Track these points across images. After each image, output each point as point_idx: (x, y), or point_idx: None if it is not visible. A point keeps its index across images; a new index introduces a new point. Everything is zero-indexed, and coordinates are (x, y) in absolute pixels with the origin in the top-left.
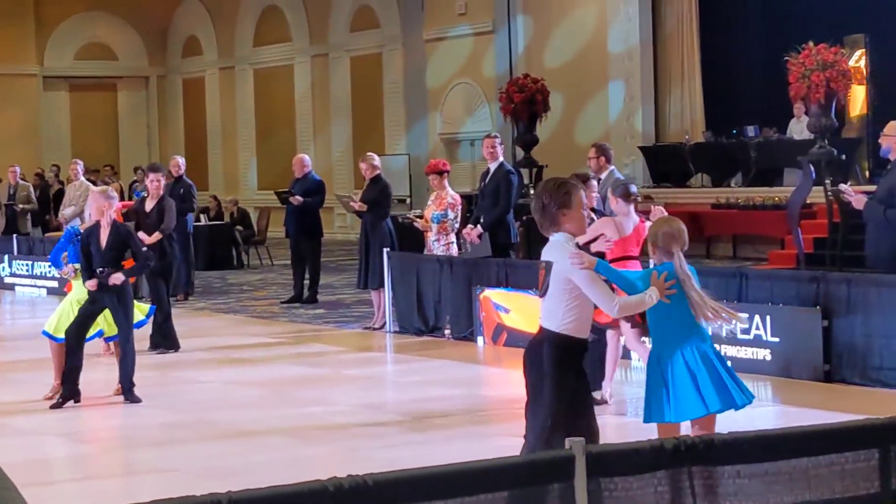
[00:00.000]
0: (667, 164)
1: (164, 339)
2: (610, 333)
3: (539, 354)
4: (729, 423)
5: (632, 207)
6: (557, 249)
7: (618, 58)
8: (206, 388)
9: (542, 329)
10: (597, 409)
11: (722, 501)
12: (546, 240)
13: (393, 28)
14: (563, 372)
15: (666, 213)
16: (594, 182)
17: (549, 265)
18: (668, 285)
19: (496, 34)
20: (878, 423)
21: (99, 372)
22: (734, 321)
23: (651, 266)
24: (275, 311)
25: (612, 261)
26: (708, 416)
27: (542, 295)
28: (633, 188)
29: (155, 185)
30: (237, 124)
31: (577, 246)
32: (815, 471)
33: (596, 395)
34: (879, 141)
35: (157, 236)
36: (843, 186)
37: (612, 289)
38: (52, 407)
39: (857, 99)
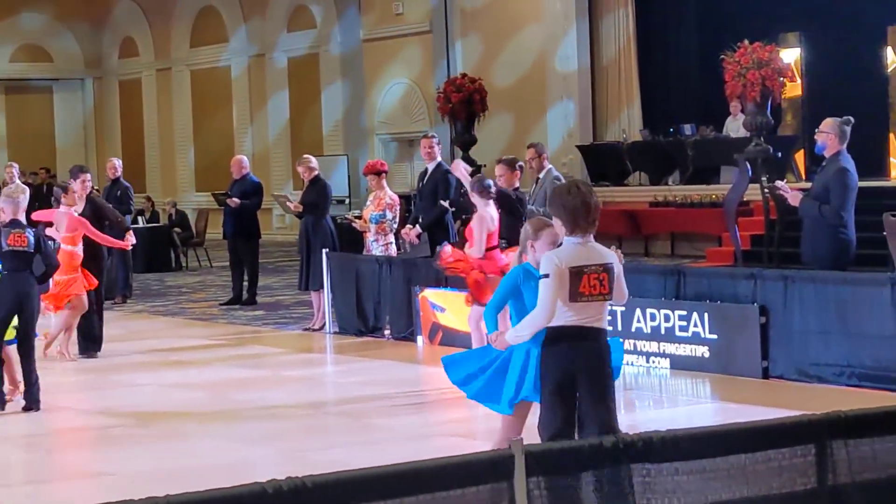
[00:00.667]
0: (604, 162)
1: (87, 342)
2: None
3: (604, 353)
4: (668, 420)
5: (491, 201)
6: (608, 251)
7: (554, 56)
8: (144, 390)
9: (600, 330)
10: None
11: (660, 498)
12: None
13: (330, 28)
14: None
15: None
16: (521, 164)
17: (610, 266)
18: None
19: (433, 34)
20: (814, 419)
21: (51, 376)
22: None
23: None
24: (214, 313)
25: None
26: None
27: (611, 296)
28: (489, 183)
29: (85, 185)
30: (174, 126)
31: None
32: (752, 467)
33: None
34: (815, 137)
35: (130, 236)
36: (779, 184)
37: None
38: None
39: (793, 96)
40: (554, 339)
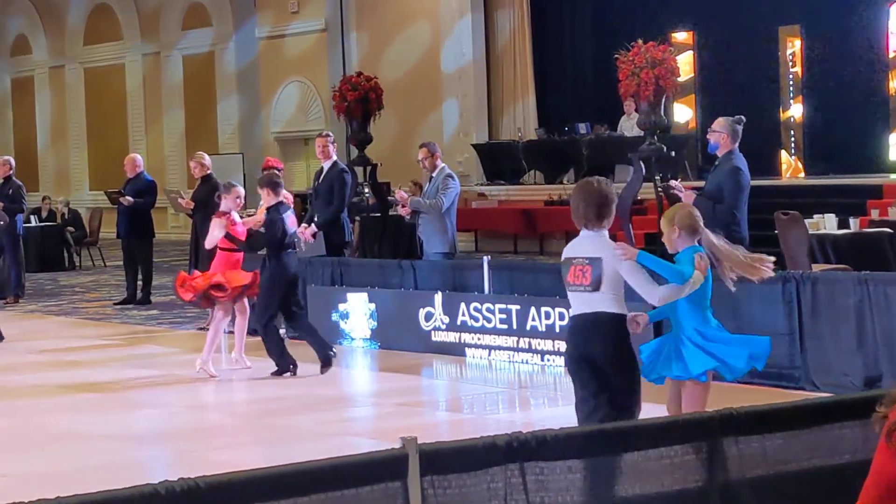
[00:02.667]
0: (500, 161)
1: None
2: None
3: (601, 336)
4: (564, 418)
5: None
6: (602, 245)
7: (450, 53)
8: (36, 391)
9: (595, 314)
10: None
11: (554, 496)
12: None
13: (225, 26)
14: (628, 347)
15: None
16: (239, 189)
17: (596, 261)
18: (706, 265)
19: (329, 32)
20: (706, 416)
21: None
22: (770, 265)
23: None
24: (108, 313)
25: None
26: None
27: (596, 288)
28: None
29: None
30: (68, 124)
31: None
32: (644, 464)
33: None
34: (707, 137)
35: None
36: (673, 183)
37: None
38: None
39: (687, 96)
40: None
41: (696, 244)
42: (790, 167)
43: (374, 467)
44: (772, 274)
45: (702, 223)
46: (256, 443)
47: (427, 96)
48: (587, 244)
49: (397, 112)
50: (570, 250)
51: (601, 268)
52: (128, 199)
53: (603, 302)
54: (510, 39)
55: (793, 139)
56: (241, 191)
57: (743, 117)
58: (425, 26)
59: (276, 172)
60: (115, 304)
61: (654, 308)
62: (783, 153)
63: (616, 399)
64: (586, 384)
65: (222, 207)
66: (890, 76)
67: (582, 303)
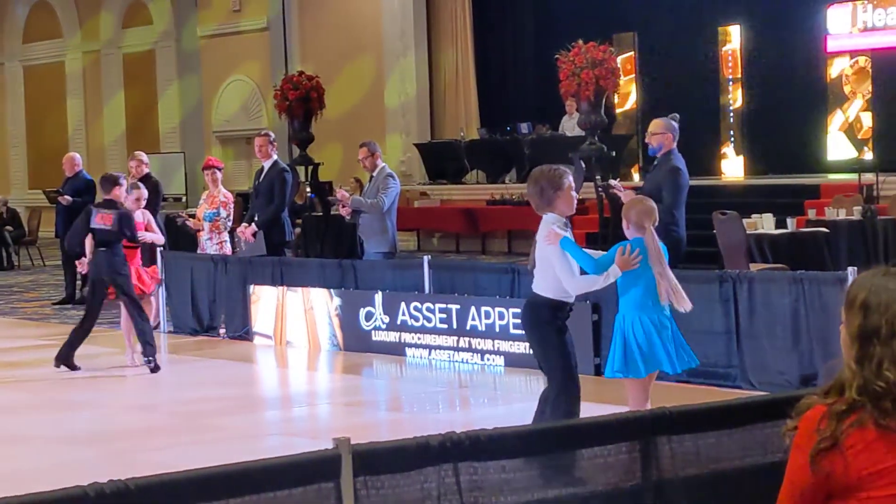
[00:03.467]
0: (442, 160)
1: None
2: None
3: (527, 316)
4: (503, 418)
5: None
6: (543, 227)
7: (392, 53)
8: None
9: (532, 294)
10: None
11: (488, 496)
12: None
13: (166, 24)
14: (549, 327)
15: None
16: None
17: (535, 243)
18: (635, 257)
19: (271, 31)
20: (639, 415)
21: None
22: (684, 307)
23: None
24: (47, 313)
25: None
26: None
27: (532, 267)
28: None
29: None
30: (7, 122)
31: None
32: (578, 464)
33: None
34: (648, 141)
35: None
36: (613, 182)
37: None
38: None
39: (627, 96)
40: None
41: (641, 238)
42: (728, 162)
43: (307, 468)
44: (689, 307)
45: (650, 221)
46: (192, 443)
47: (371, 98)
48: (540, 226)
49: (339, 112)
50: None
51: (535, 251)
52: (66, 199)
53: (535, 284)
54: (453, 42)
55: (732, 139)
56: (145, 192)
57: (677, 114)
58: (367, 26)
59: (115, 174)
60: (53, 303)
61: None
62: (723, 153)
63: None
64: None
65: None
66: (827, 74)
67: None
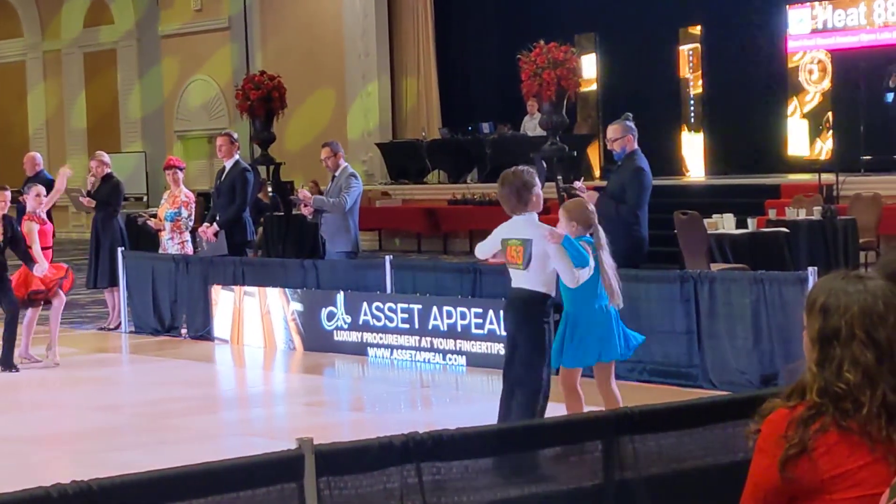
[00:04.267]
0: (404, 160)
1: None
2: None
3: (522, 310)
4: (465, 418)
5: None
6: (532, 226)
7: (354, 53)
8: None
9: (521, 290)
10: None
11: (450, 496)
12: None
13: (127, 24)
14: (544, 324)
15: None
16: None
17: (527, 241)
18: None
19: (232, 31)
20: (601, 415)
21: None
22: (617, 304)
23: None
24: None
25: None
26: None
27: (526, 267)
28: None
29: None
30: None
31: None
32: (541, 463)
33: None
34: (610, 147)
35: None
36: (576, 183)
37: None
38: None
39: (589, 97)
40: None
41: (588, 236)
42: (690, 168)
43: (270, 468)
44: (620, 305)
45: (595, 219)
46: (155, 444)
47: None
48: (520, 226)
49: (301, 112)
50: (505, 231)
51: (531, 248)
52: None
53: (526, 280)
54: (414, 40)
55: (693, 138)
56: (42, 189)
57: (630, 114)
58: (328, 21)
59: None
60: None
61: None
62: (683, 153)
63: (520, 376)
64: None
65: (28, 208)
66: (787, 74)
67: (515, 279)
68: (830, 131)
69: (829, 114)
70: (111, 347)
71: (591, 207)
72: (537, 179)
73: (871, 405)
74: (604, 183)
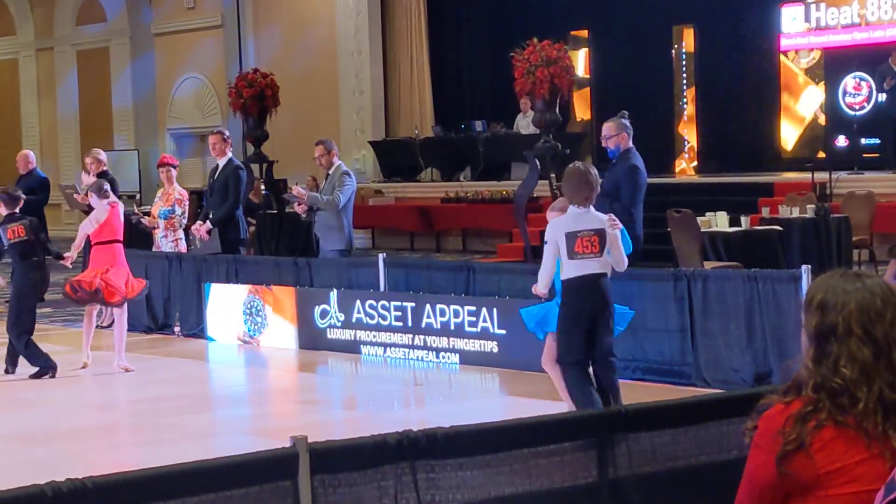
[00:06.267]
0: (397, 158)
1: None
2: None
3: (608, 291)
4: (458, 415)
5: (106, 201)
6: (598, 218)
7: (347, 51)
8: None
9: (604, 275)
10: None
11: (445, 494)
12: None
13: (120, 21)
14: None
15: None
16: None
17: (601, 231)
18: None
19: (225, 28)
20: (595, 413)
21: None
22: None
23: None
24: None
25: (97, 243)
26: None
27: (601, 253)
28: (107, 186)
29: None
30: None
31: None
32: (535, 461)
33: None
34: (605, 145)
35: None
36: None
37: None
38: None
39: (582, 95)
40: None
41: None
42: (683, 166)
43: (264, 466)
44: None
45: None
46: (148, 442)
47: (324, 95)
48: (587, 218)
49: (294, 110)
50: (566, 225)
51: (605, 237)
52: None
53: (601, 265)
54: (408, 39)
55: (686, 137)
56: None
57: (626, 111)
58: (322, 24)
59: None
60: (6, 301)
61: None
62: (677, 151)
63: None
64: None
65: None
66: (781, 73)
67: (588, 266)
68: (823, 129)
69: (822, 112)
70: (104, 345)
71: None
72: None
73: (867, 401)
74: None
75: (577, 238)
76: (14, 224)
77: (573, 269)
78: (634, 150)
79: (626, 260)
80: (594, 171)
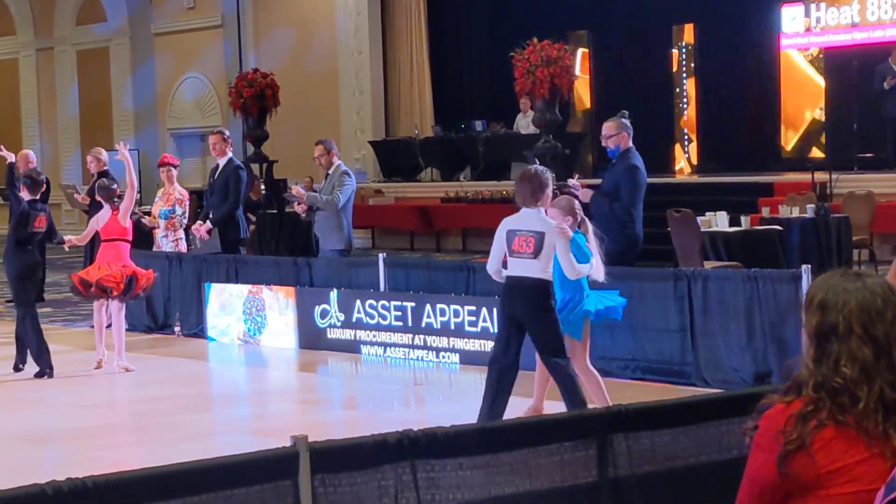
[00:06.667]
0: (397, 158)
1: None
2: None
3: (531, 296)
4: (458, 415)
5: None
6: (542, 221)
7: (346, 50)
8: None
9: (527, 278)
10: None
11: (445, 493)
12: None
13: (120, 21)
14: (554, 310)
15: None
16: None
17: (539, 234)
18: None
19: (225, 29)
20: (595, 412)
21: None
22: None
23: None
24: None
25: (106, 240)
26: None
27: (536, 256)
28: (114, 186)
29: None
30: None
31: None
32: (535, 461)
33: None
34: (605, 144)
35: None
36: (570, 181)
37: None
38: None
39: (582, 94)
40: None
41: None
42: (683, 166)
43: (265, 465)
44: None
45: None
46: (148, 442)
47: (325, 95)
48: (531, 219)
49: (294, 110)
50: (512, 224)
51: (542, 240)
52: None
53: (533, 268)
54: (408, 39)
55: (686, 137)
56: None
57: (626, 111)
58: (322, 25)
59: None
60: (6, 301)
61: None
62: (677, 151)
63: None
64: (505, 335)
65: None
66: (780, 72)
67: (518, 268)
68: (824, 129)
69: (823, 112)
70: (104, 346)
71: (577, 204)
72: (551, 183)
73: (867, 400)
74: (597, 181)
75: (515, 237)
76: (40, 214)
77: (511, 267)
78: (634, 149)
79: (576, 268)
80: (548, 173)
